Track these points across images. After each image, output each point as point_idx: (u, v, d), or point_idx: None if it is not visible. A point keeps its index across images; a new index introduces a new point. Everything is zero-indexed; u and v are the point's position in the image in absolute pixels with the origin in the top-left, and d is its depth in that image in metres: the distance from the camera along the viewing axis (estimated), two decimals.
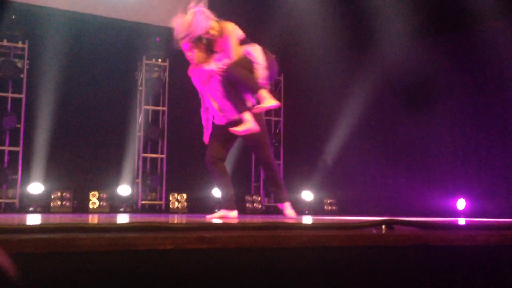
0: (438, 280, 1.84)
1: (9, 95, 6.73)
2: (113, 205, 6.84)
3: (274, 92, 8.42)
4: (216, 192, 7.66)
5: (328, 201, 8.07)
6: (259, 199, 7.88)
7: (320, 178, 8.23)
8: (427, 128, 7.20)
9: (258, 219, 3.54)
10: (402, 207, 6.91)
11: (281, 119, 8.47)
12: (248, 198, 7.82)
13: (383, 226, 2.06)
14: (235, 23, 8.90)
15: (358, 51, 7.94)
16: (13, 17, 6.65)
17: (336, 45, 7.87)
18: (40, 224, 1.73)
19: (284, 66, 8.45)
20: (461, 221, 4.03)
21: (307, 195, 8.10)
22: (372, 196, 7.59)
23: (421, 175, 7.22)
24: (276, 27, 7.99)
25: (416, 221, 2.18)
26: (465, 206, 6.66)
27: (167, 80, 7.58)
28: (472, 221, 4.08)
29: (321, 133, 8.21)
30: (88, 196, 6.68)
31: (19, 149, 6.64)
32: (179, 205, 7.30)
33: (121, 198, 6.98)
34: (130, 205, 6.99)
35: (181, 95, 7.83)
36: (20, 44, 6.78)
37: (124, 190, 7.06)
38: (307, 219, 3.83)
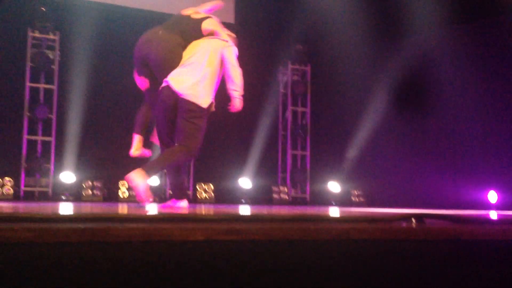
0: (469, 274, 1.82)
1: (42, 86, 6.87)
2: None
3: (301, 82, 8.39)
4: (243, 183, 7.71)
5: (356, 193, 8.02)
6: (285, 189, 7.88)
7: (347, 169, 8.19)
8: (458, 118, 7.07)
9: (286, 211, 3.55)
10: (432, 199, 6.81)
11: (308, 109, 8.43)
12: (275, 189, 7.84)
13: (413, 220, 2.05)
14: (262, 13, 8.88)
15: (387, 40, 7.83)
16: (44, 9, 6.77)
17: (364, 34, 7.76)
18: (76, 214, 1.78)
19: (311, 55, 8.41)
20: (493, 214, 3.96)
21: (334, 186, 8.07)
22: (401, 188, 7.51)
23: (451, 167, 7.10)
24: (302, 16, 7.94)
25: (448, 215, 2.15)
26: (497, 198, 6.53)
27: None
28: (505, 214, 4.00)
29: (349, 124, 8.14)
30: (118, 185, 6.81)
31: (52, 139, 6.79)
32: (206, 195, 7.36)
33: (150, 188, 7.07)
34: (158, 195, 7.09)
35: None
36: (51, 36, 6.90)
37: (152, 180, 7.15)
38: (335, 211, 3.82)
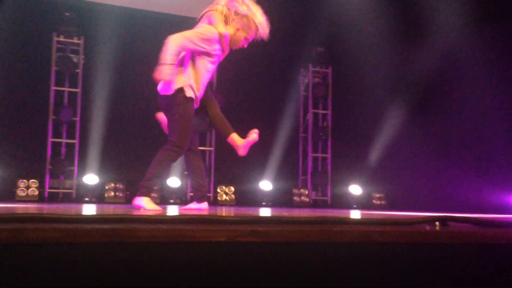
0: (494, 279, 1.79)
1: (66, 89, 7.00)
2: (163, 197, 7.01)
3: (322, 84, 8.36)
4: (264, 185, 7.72)
5: (377, 196, 7.96)
6: (306, 192, 7.86)
7: (368, 172, 8.13)
8: (481, 119, 6.96)
9: (307, 213, 3.54)
10: (455, 202, 6.71)
11: (329, 112, 8.40)
12: (295, 191, 7.83)
13: (437, 223, 2.02)
14: (281, 15, 8.89)
15: (408, 41, 7.75)
16: (68, 14, 6.90)
17: (385, 35, 7.70)
18: (101, 215, 1.80)
19: (332, 57, 8.38)
20: None
21: (355, 189, 8.02)
22: (423, 191, 7.42)
23: (474, 169, 6.98)
24: (322, 17, 7.93)
25: (472, 218, 2.12)
26: None
27: (215, 76, 7.66)
28: None
29: (370, 126, 8.08)
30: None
31: (76, 141, 6.90)
32: (227, 198, 7.39)
33: (170, 190, 7.14)
34: (179, 197, 7.15)
35: (228, 89, 7.93)
36: (76, 40, 7.02)
37: (173, 182, 7.21)
38: (357, 214, 3.80)
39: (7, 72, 6.76)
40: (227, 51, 3.65)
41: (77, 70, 6.98)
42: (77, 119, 6.92)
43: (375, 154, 8.06)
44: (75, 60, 7.00)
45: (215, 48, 3.50)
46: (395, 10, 7.75)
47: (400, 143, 7.74)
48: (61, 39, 6.99)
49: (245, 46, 3.68)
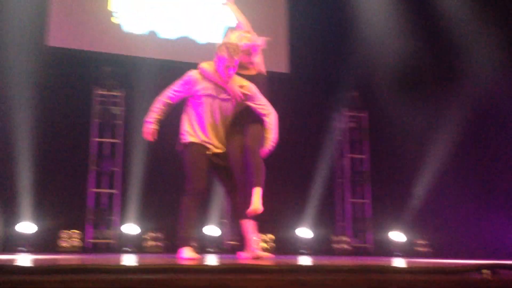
0: None
1: (108, 140, 7.20)
2: (201, 245, 6.99)
3: (358, 129, 8.31)
4: (302, 232, 7.60)
5: (420, 242, 7.69)
6: (346, 239, 7.68)
7: (411, 217, 7.91)
8: None
9: (349, 261, 3.45)
10: (502, 249, 6.43)
11: (366, 156, 8.30)
12: (335, 238, 7.66)
13: (487, 271, 1.93)
14: (316, 61, 8.94)
15: (446, 83, 7.69)
16: (109, 69, 7.19)
17: (422, 77, 7.68)
18: (142, 265, 1.81)
19: (367, 101, 8.36)
20: None
21: (397, 236, 7.79)
22: (468, 237, 7.14)
23: None
24: (357, 62, 7.99)
25: None
26: None
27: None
28: None
29: (410, 170, 7.93)
30: None
31: (116, 191, 7.03)
32: (266, 246, 7.29)
33: (208, 238, 7.12)
34: (217, 245, 7.10)
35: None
36: (117, 92, 7.29)
37: (211, 230, 7.20)
38: (400, 262, 3.68)
39: (51, 124, 7.03)
40: (225, 83, 3.52)
41: (117, 122, 7.20)
42: (118, 169, 7.08)
43: (416, 199, 7.87)
44: (115, 112, 7.23)
45: (198, 89, 3.52)
46: (431, 53, 7.75)
47: (442, 188, 7.54)
48: (104, 92, 7.26)
49: (230, 71, 3.50)
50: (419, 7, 7.85)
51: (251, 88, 3.59)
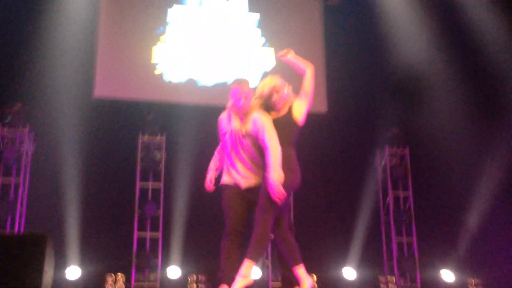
0: None
1: (150, 184, 7.38)
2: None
3: (400, 165, 8.16)
4: (347, 273, 7.43)
5: (473, 282, 7.34)
6: (393, 279, 7.44)
7: (460, 255, 7.60)
8: None
9: None
10: None
11: (410, 193, 8.10)
12: (382, 278, 7.44)
13: None
14: (355, 98, 8.88)
15: (489, 116, 7.50)
16: (152, 116, 7.45)
17: (463, 111, 7.53)
18: None
19: (409, 137, 8.24)
20: None
21: (447, 275, 7.48)
22: None
23: None
24: (396, 97, 7.93)
25: None
26: None
27: None
28: None
29: (457, 206, 7.67)
30: None
31: (159, 234, 7.14)
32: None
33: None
34: (260, 287, 7.03)
35: (304, 174, 7.95)
36: (158, 138, 7.51)
37: (254, 272, 7.14)
38: None
39: (97, 170, 7.30)
40: (240, 114, 3.62)
41: (160, 167, 7.39)
42: (160, 213, 7.21)
43: (465, 236, 7.58)
44: (158, 156, 7.43)
45: (223, 127, 3.70)
46: (472, 85, 7.62)
47: (494, 222, 7.25)
48: (146, 138, 7.49)
49: (241, 101, 3.58)
50: (460, 41, 7.80)
51: (257, 122, 3.52)
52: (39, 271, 2.89)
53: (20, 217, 6.79)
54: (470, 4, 7.68)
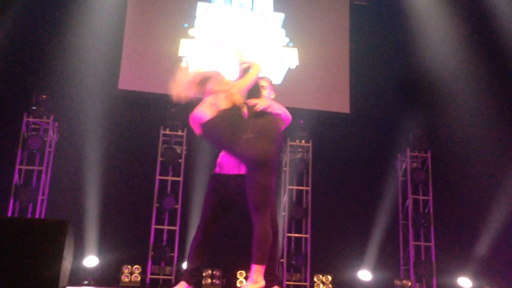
0: None
1: (169, 178, 7.44)
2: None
3: (421, 169, 8.06)
4: (363, 275, 7.39)
5: None
6: (409, 284, 7.37)
7: (479, 262, 7.49)
8: None
9: None
10: None
11: (430, 197, 8.01)
12: (397, 282, 7.36)
13: None
14: (377, 101, 8.82)
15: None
16: (174, 110, 7.51)
17: (488, 117, 7.41)
18: None
19: (431, 141, 8.14)
20: None
21: (464, 282, 7.38)
22: None
23: None
24: (419, 101, 7.85)
25: None
26: None
27: (310, 160, 7.75)
28: None
29: (477, 212, 7.56)
30: (236, 274, 6.90)
31: (176, 228, 7.20)
32: (324, 287, 7.14)
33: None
34: None
35: (324, 174, 7.95)
36: (179, 132, 7.57)
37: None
38: None
39: (118, 162, 7.41)
40: None
41: (179, 160, 7.44)
42: (179, 206, 7.26)
43: (485, 243, 7.47)
44: (178, 151, 7.49)
45: None
46: (497, 90, 7.51)
47: None
48: (167, 132, 7.56)
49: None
50: (489, 45, 7.69)
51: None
52: (59, 257, 2.94)
53: (41, 205, 6.92)
54: (502, 8, 7.54)
